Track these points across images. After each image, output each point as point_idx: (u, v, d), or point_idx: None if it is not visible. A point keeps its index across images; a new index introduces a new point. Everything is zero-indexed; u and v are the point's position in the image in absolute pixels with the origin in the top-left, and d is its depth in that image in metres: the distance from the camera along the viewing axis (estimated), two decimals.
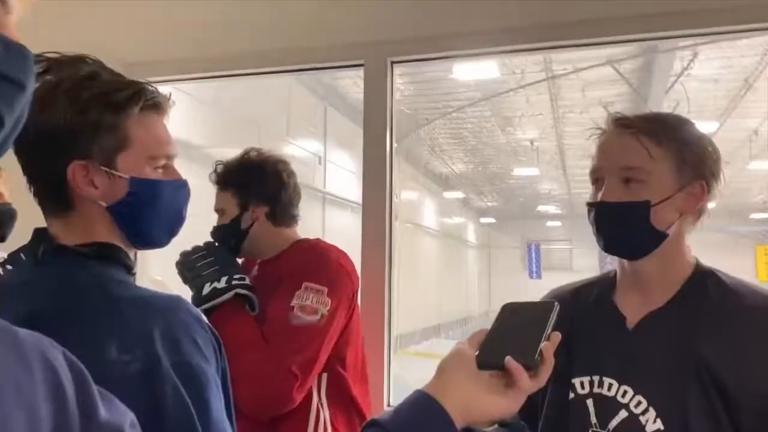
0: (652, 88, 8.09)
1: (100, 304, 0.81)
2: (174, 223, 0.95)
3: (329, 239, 1.80)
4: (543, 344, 0.76)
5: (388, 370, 2.11)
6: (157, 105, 0.91)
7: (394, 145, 2.23)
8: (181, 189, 0.95)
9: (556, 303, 0.81)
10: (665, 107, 8.29)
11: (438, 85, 8.97)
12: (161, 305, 0.83)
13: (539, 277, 18.99)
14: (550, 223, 22.02)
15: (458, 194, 18.07)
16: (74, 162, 0.85)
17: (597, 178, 1.08)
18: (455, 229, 19.98)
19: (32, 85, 0.51)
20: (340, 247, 1.74)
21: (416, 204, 14.28)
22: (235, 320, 1.49)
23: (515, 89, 8.92)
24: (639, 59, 7.70)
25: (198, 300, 1.50)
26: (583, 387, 1.08)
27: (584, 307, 1.14)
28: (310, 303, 1.50)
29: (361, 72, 2.20)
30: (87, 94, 0.85)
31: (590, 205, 1.08)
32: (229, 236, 1.65)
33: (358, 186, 2.23)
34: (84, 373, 0.51)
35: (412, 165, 12.38)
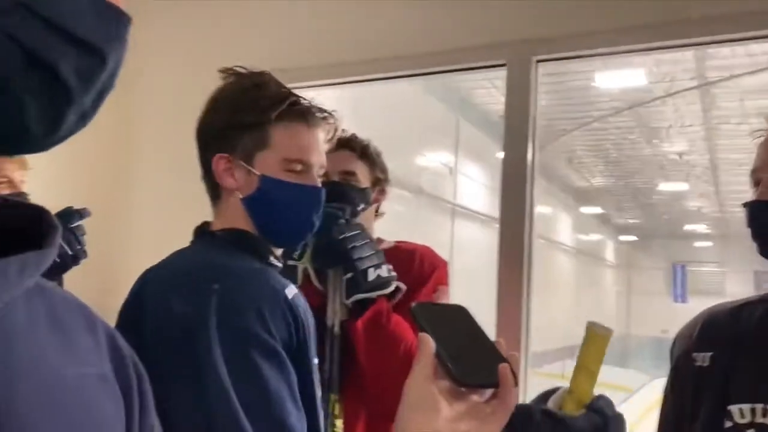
0: None
1: (189, 267, 0.97)
2: (300, 224, 1.04)
3: (458, 251, 1.67)
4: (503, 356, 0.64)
5: (525, 392, 1.94)
6: (301, 114, 1.02)
7: (536, 154, 2.05)
8: (310, 194, 1.04)
9: (464, 306, 0.71)
10: None
11: (577, 94, 8.56)
12: (238, 272, 0.93)
13: (684, 301, 17.66)
14: (698, 244, 20.35)
15: (596, 209, 17.20)
16: (218, 154, 1.01)
17: (757, 178, 1.03)
18: (592, 247, 19.05)
19: (116, 58, 0.44)
20: (469, 259, 1.60)
21: (550, 219, 13.78)
22: (395, 314, 1.39)
23: (663, 98, 8.30)
24: None
25: (360, 285, 1.36)
26: (743, 415, 0.96)
27: (747, 328, 1.04)
28: None
29: (497, 81, 2.05)
30: (243, 99, 1.01)
31: (747, 205, 1.03)
32: (360, 201, 1.53)
33: (488, 199, 2.09)
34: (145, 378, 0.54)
35: (547, 178, 11.95)
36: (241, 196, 1.02)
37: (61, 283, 1.59)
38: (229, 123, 1.01)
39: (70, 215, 1.63)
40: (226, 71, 1.04)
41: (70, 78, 0.40)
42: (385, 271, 1.38)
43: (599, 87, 8.27)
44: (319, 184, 1.05)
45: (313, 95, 2.60)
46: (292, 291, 0.95)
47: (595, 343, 0.87)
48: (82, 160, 2.64)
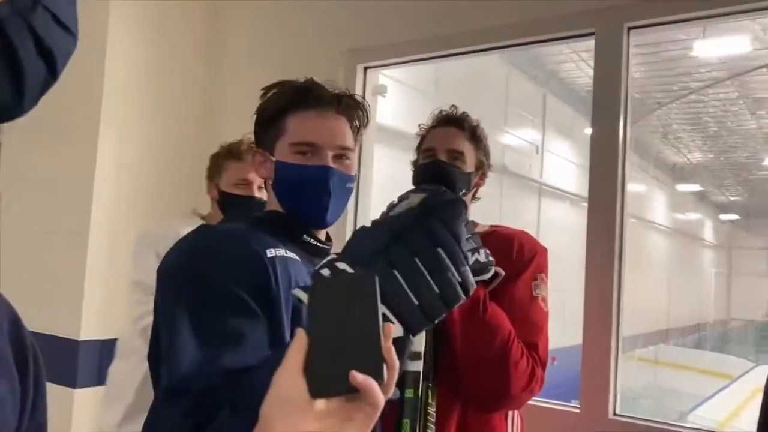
0: None
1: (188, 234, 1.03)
2: (315, 201, 1.08)
3: (545, 232, 1.59)
4: (385, 346, 0.60)
5: (615, 377, 1.86)
6: (310, 103, 1.08)
7: (628, 129, 1.92)
8: (314, 172, 1.07)
9: (374, 275, 0.64)
10: None
11: (673, 65, 8.09)
12: (219, 234, 1.03)
13: None
14: None
15: (694, 187, 16.28)
16: (255, 149, 1.15)
17: None
18: (689, 226, 18.08)
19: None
20: (557, 240, 1.53)
21: (643, 197, 13.17)
22: (493, 302, 1.35)
23: None
24: None
25: None
26: None
27: None
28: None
29: (585, 54, 1.94)
30: (271, 99, 1.11)
31: None
32: (462, 185, 1.47)
33: (577, 177, 1.99)
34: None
35: (640, 154, 11.40)
36: (271, 183, 1.11)
37: None
38: (257, 121, 1.13)
39: None
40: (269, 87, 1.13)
41: (59, 60, 0.50)
42: (483, 256, 1.31)
43: (698, 56, 7.77)
44: (330, 164, 1.08)
45: (391, 73, 2.61)
46: (274, 252, 0.99)
47: None
48: (171, 127, 2.73)
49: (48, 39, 0.48)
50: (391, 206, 1.44)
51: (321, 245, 1.12)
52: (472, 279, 0.83)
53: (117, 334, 2.40)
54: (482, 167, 1.54)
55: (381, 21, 2.40)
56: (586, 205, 1.95)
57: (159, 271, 1.00)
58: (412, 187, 1.51)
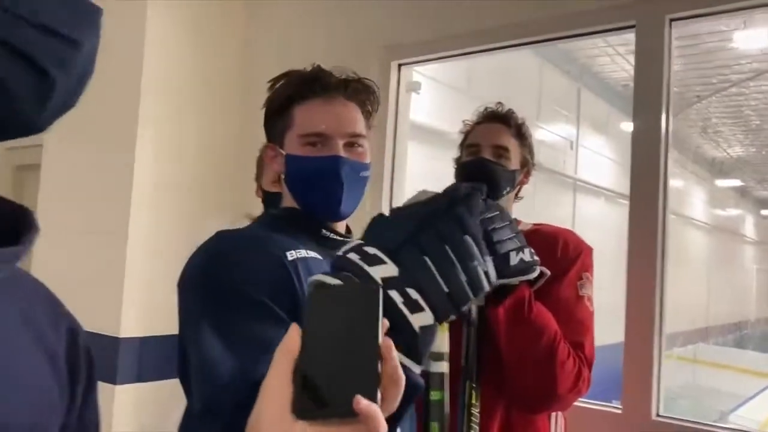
0: None
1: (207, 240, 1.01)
2: (327, 192, 1.04)
3: (579, 228, 1.57)
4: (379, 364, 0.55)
5: (658, 377, 1.82)
6: (317, 91, 1.04)
7: (670, 123, 1.87)
8: (322, 162, 1.03)
9: (379, 286, 0.63)
10: None
11: (713, 57, 7.87)
12: (242, 241, 0.99)
13: None
14: None
15: (734, 182, 15.88)
16: (265, 145, 1.12)
17: None
18: (729, 222, 17.65)
19: (90, 45, 0.51)
20: (592, 237, 1.50)
21: (682, 193, 12.89)
22: (538, 303, 1.33)
23: None
24: None
25: (502, 270, 1.24)
26: None
27: None
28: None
29: (621, 48, 1.90)
30: (277, 92, 1.08)
31: None
32: (506, 184, 1.45)
33: (613, 172, 1.95)
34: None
35: (678, 149, 11.15)
36: (283, 178, 1.08)
37: None
38: (266, 114, 1.09)
39: None
40: (279, 77, 1.10)
41: (48, 66, 0.46)
42: (528, 255, 1.29)
43: (738, 48, 7.55)
44: (340, 154, 1.03)
45: (423, 70, 2.59)
46: (294, 254, 0.96)
47: None
48: (208, 126, 2.76)
49: (23, 44, 0.45)
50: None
51: (341, 239, 1.08)
52: (494, 270, 0.83)
53: (157, 332, 2.43)
54: (527, 165, 1.52)
55: (415, 18, 2.39)
56: (621, 201, 1.91)
57: (180, 282, 0.97)
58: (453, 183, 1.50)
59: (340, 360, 0.55)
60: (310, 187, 1.06)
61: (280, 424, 0.53)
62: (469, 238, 0.79)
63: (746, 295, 18.02)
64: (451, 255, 0.77)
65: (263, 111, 1.11)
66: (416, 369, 0.74)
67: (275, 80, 1.10)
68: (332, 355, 0.55)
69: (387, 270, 0.75)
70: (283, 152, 1.06)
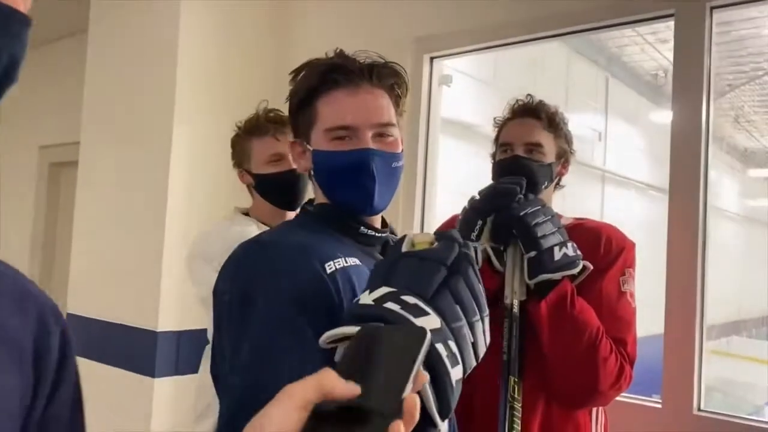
0: None
1: (245, 245, 0.98)
2: (357, 187, 0.98)
3: (608, 220, 1.56)
4: (408, 387, 0.51)
5: (699, 371, 1.79)
6: (341, 82, 0.97)
7: (711, 115, 1.84)
8: (352, 156, 0.97)
9: (428, 332, 0.58)
10: None
11: (746, 44, 7.69)
12: (273, 247, 0.95)
13: None
14: None
15: (767, 172, 15.56)
16: (291, 141, 1.07)
17: None
18: (762, 213, 17.29)
19: (9, 54, 0.49)
20: (622, 229, 1.49)
21: (713, 183, 12.65)
22: (580, 298, 1.32)
23: None
24: None
25: (546, 265, 1.27)
26: None
27: None
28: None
29: (650, 37, 1.87)
30: (298, 83, 1.02)
31: None
32: (543, 177, 1.43)
33: (643, 163, 1.94)
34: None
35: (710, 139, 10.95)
36: (312, 174, 1.03)
37: None
38: (289, 108, 1.04)
39: None
40: (298, 69, 1.04)
41: None
42: (571, 250, 1.29)
43: None
44: (369, 146, 0.97)
45: (451, 63, 2.57)
46: (333, 266, 0.91)
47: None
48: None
49: None
50: (473, 200, 1.42)
51: (379, 234, 1.04)
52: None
53: (193, 326, 2.46)
54: (564, 155, 1.50)
55: (449, 10, 2.37)
56: (652, 192, 1.89)
57: (215, 291, 0.96)
58: (490, 181, 1.49)
59: (376, 377, 0.52)
60: (341, 184, 1.00)
61: None
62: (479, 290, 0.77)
63: None
64: (475, 306, 0.76)
65: (286, 105, 1.05)
66: (443, 428, 0.71)
67: (296, 71, 1.03)
68: (368, 374, 0.52)
69: (431, 321, 0.71)
70: (310, 148, 1.01)
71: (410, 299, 0.72)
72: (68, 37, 3.91)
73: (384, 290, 0.74)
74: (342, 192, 1.01)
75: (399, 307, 0.72)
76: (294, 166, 1.64)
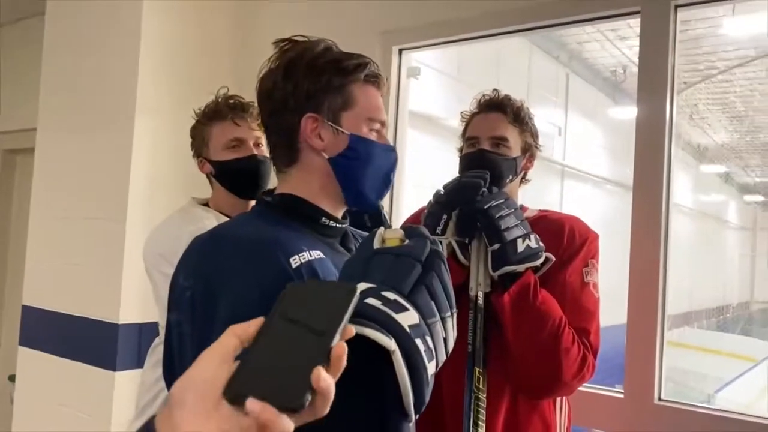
0: None
1: (203, 237, 0.96)
2: (381, 184, 1.03)
3: (568, 212, 1.59)
4: (315, 371, 0.51)
5: (660, 361, 1.84)
6: (377, 78, 1.02)
7: (674, 111, 1.88)
8: (390, 153, 1.04)
9: (357, 290, 0.61)
10: None
11: (700, 43, 7.90)
12: (232, 244, 0.91)
13: None
14: None
15: (718, 168, 16.05)
16: (307, 114, 0.98)
17: None
18: (713, 208, 17.85)
19: None
20: (583, 220, 1.52)
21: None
22: (543, 289, 1.34)
23: None
24: None
25: (509, 257, 1.29)
26: None
27: None
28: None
29: (611, 34, 1.90)
30: (322, 62, 0.98)
31: None
32: (508, 170, 1.45)
33: (601, 158, 1.97)
34: None
35: None
36: (327, 156, 0.99)
37: None
38: (313, 84, 0.98)
39: None
40: (283, 41, 1.03)
41: None
42: (533, 241, 1.31)
43: (726, 35, 7.59)
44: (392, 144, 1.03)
45: (417, 56, 2.58)
46: (298, 260, 0.89)
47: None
48: None
49: None
50: (438, 194, 1.43)
51: (339, 225, 1.04)
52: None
53: (155, 318, 2.41)
54: (529, 149, 1.52)
55: (414, 2, 2.37)
56: (608, 186, 1.93)
57: (173, 286, 0.93)
58: (455, 174, 1.50)
59: (288, 351, 0.53)
60: (375, 176, 1.01)
61: (203, 402, 0.51)
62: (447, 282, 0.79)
63: (729, 280, 18.27)
64: (446, 302, 0.77)
65: (294, 78, 0.99)
66: (411, 421, 0.73)
67: (323, 54, 1.00)
68: (283, 345, 0.54)
69: (410, 317, 0.72)
70: (346, 131, 0.98)
71: (390, 295, 0.73)
72: (25, 19, 3.78)
73: (363, 286, 0.74)
74: (371, 183, 1.02)
75: (380, 303, 0.72)
76: (255, 152, 1.65)
